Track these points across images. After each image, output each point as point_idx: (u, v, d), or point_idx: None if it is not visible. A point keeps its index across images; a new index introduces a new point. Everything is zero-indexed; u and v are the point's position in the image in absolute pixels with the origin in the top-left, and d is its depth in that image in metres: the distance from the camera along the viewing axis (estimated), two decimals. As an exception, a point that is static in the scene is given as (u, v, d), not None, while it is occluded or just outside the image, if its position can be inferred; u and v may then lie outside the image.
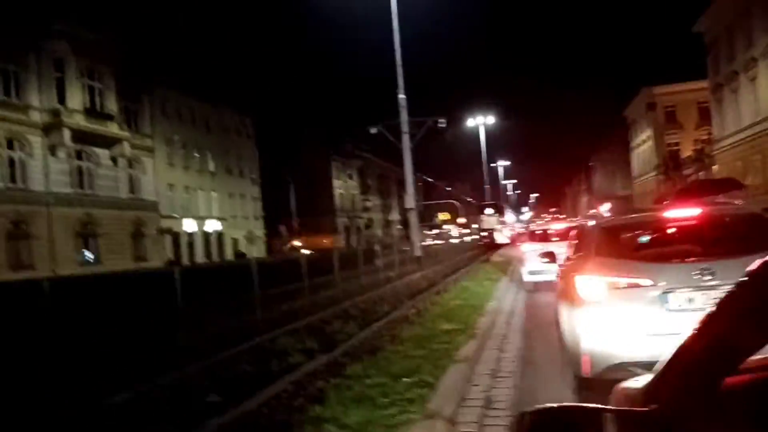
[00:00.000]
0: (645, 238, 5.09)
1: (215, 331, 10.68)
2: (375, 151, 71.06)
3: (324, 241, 52.77)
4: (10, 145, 26.15)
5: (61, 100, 28.28)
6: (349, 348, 7.78)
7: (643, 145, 58.33)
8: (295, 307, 14.06)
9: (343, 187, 67.41)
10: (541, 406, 1.13)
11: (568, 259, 6.08)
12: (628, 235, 5.17)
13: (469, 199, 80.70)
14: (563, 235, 12.75)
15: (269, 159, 51.60)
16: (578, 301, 4.33)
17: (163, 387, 6.25)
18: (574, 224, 10.68)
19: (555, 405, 1.11)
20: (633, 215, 5.64)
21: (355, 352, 7.45)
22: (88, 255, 29.93)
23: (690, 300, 4.00)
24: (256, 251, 45.05)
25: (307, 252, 37.12)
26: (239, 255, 41.83)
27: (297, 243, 50.02)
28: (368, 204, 75.12)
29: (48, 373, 7.19)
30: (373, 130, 28.22)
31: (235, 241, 44.26)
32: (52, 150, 27.88)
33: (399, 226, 77.20)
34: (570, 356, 4.57)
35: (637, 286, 4.14)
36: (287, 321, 11.25)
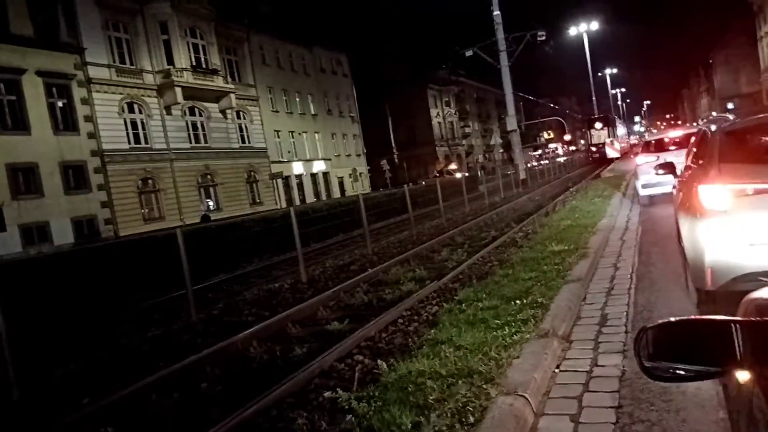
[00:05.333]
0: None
1: (331, 265, 11.33)
2: (472, 74, 68.80)
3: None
4: (131, 109, 28.39)
5: (170, 60, 29.93)
6: (458, 274, 7.95)
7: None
8: (402, 238, 14.47)
9: (441, 115, 66.36)
10: (665, 320, 1.10)
11: (687, 168, 5.71)
12: (756, 138, 4.74)
13: (566, 112, 76.41)
14: (681, 144, 11.84)
15: (366, 95, 51.84)
16: (701, 210, 4.11)
17: (288, 318, 6.80)
18: (693, 130, 9.80)
19: (679, 318, 1.08)
20: (760, 116, 5.12)
21: (464, 278, 7.60)
22: (210, 204, 32.38)
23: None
24: (361, 187, 46.26)
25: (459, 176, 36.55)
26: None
27: (453, 167, 50.47)
28: (467, 130, 73.61)
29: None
30: (468, 53, 27.23)
31: (340, 180, 45.63)
32: (168, 109, 29.93)
33: (501, 150, 75.22)
34: (692, 269, 4.39)
35: (765, 191, 3.84)
36: (396, 252, 11.64)
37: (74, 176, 24.71)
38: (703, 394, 2.93)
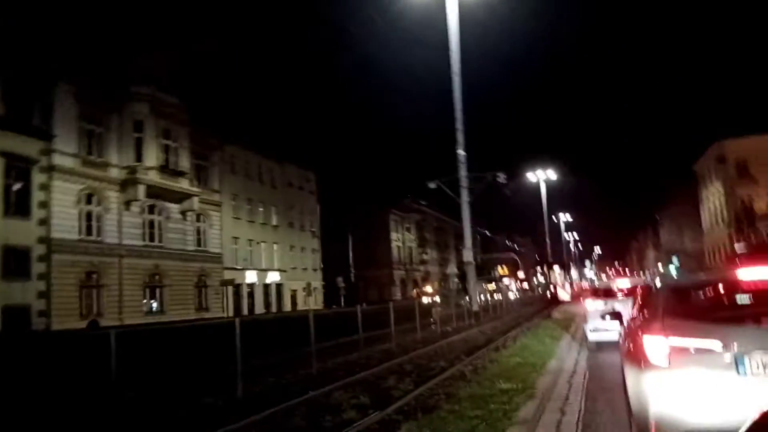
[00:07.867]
0: (716, 299, 4.84)
1: (272, 384, 10.76)
2: (433, 204, 71.29)
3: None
4: (89, 200, 27.93)
5: (139, 158, 30.08)
6: (403, 405, 7.63)
7: (713, 199, 55.96)
8: (350, 360, 13.99)
9: (401, 240, 67.58)
10: None
11: (633, 318, 5.85)
12: (699, 295, 4.94)
13: (520, 251, 78.99)
14: (628, 293, 12.25)
15: (329, 212, 52.68)
16: (646, 363, 4.12)
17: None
18: (640, 281, 10.19)
19: None
20: (703, 275, 5.39)
21: (409, 410, 7.29)
22: (154, 305, 31.04)
23: (765, 365, 3.74)
24: (314, 303, 45.43)
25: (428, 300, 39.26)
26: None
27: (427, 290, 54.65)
28: (425, 257, 74.77)
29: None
30: (432, 186, 28.46)
31: (293, 293, 44.83)
32: (127, 205, 29.56)
33: (456, 280, 76.11)
34: (637, 421, 4.33)
35: (709, 349, 3.92)
36: (342, 375, 11.19)
37: (16, 262, 23.56)
38: None
